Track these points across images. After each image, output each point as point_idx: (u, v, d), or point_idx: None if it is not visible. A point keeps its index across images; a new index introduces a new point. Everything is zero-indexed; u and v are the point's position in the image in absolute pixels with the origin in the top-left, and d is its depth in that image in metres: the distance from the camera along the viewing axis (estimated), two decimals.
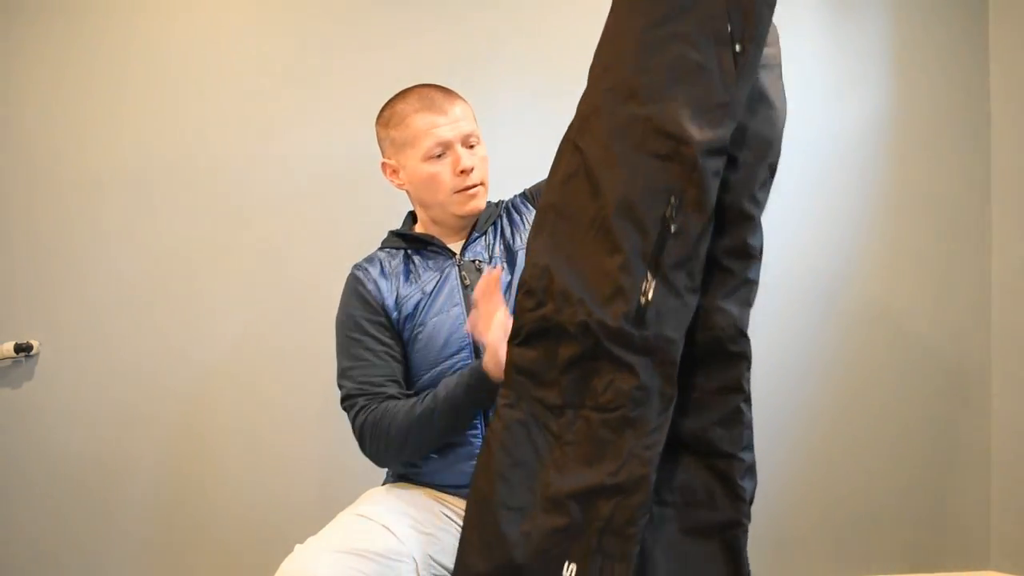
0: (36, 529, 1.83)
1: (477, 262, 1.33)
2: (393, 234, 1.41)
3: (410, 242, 1.37)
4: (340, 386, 1.32)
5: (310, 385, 1.87)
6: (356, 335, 1.30)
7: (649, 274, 0.94)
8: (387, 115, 1.35)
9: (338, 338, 1.34)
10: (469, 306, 1.28)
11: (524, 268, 1.07)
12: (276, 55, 1.87)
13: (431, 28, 1.89)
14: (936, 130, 1.97)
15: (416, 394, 1.27)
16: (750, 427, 0.96)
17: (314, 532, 1.18)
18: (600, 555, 0.93)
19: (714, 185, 0.93)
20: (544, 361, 1.02)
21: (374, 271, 1.33)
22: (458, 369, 1.26)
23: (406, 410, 1.22)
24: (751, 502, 0.95)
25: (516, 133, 1.88)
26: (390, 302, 1.30)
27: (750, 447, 0.96)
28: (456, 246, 1.36)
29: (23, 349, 1.78)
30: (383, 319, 1.30)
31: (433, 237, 1.35)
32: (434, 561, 1.22)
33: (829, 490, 1.97)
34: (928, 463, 1.97)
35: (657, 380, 0.94)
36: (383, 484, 1.38)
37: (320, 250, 1.87)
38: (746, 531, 0.95)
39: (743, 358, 0.96)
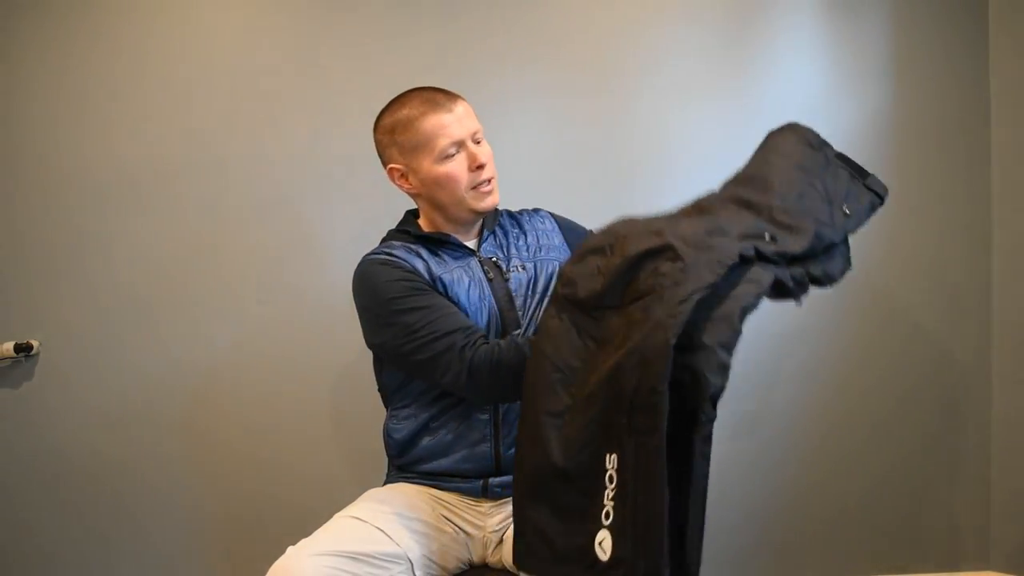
0: (36, 528, 1.83)
1: (496, 259, 1.35)
2: (400, 231, 1.39)
3: (426, 240, 1.36)
4: (415, 344, 1.21)
5: (312, 384, 1.87)
6: (405, 294, 1.24)
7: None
8: (389, 123, 1.34)
9: (380, 315, 1.26)
10: (498, 299, 1.30)
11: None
12: (277, 55, 1.87)
13: (431, 27, 1.89)
14: (936, 130, 1.97)
15: None
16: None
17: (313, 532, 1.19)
18: (634, 434, 0.91)
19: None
20: (587, 272, 1.07)
21: (398, 252, 1.31)
22: None
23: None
24: (714, 399, 0.91)
25: (519, 132, 1.88)
26: (426, 277, 1.28)
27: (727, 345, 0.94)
28: (472, 244, 1.38)
29: (23, 349, 1.79)
30: (427, 284, 1.27)
31: (449, 235, 1.36)
32: (431, 561, 1.22)
33: (828, 490, 1.96)
34: (928, 463, 1.97)
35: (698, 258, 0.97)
36: (384, 484, 1.38)
37: (320, 250, 1.87)
38: (705, 426, 0.91)
39: None
